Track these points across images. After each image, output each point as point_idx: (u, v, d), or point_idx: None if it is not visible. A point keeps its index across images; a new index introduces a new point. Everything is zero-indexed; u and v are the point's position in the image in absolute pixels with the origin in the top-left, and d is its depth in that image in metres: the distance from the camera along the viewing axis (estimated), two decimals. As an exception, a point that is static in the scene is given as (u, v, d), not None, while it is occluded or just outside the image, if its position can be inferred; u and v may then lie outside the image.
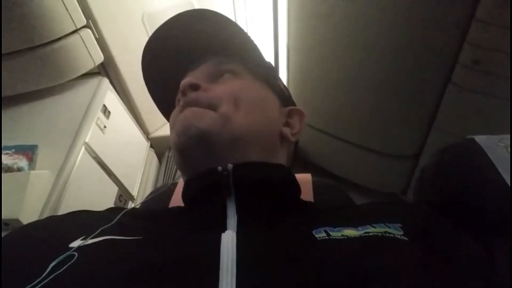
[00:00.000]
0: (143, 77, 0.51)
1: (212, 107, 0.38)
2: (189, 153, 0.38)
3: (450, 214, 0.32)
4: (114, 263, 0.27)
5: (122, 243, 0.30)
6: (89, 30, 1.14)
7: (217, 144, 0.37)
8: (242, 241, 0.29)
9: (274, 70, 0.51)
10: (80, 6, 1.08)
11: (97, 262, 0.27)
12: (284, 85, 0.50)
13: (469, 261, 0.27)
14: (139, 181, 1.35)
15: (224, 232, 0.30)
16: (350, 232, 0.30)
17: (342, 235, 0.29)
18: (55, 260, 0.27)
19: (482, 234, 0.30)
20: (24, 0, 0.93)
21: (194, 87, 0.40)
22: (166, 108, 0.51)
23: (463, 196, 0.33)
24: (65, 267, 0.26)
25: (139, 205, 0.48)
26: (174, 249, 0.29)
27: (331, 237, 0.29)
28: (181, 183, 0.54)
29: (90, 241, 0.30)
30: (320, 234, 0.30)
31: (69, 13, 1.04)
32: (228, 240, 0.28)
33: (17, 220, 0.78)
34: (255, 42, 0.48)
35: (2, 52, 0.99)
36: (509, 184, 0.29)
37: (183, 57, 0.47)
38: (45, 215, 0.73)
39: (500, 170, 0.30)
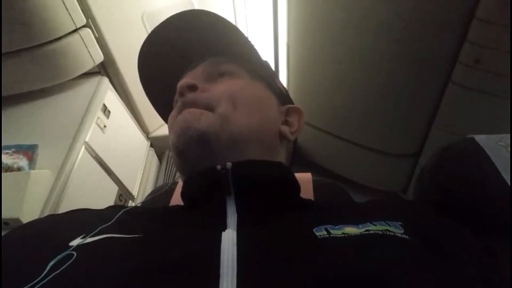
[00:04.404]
0: (139, 78, 0.50)
1: (210, 107, 0.38)
2: (188, 154, 0.38)
3: (450, 213, 0.32)
4: (114, 262, 0.27)
5: (121, 241, 0.30)
6: (89, 30, 1.13)
7: (216, 145, 0.37)
8: (242, 240, 0.29)
9: (271, 69, 0.51)
10: (80, 5, 1.08)
11: (96, 261, 0.27)
12: (281, 83, 0.50)
13: (469, 261, 0.27)
14: (139, 180, 1.35)
15: (224, 230, 0.30)
16: (350, 230, 0.30)
17: (343, 233, 0.29)
18: (54, 259, 0.27)
19: (482, 234, 0.30)
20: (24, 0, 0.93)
21: (192, 87, 0.40)
22: (163, 109, 0.51)
23: (463, 195, 0.33)
24: (63, 266, 0.26)
25: (140, 204, 0.48)
26: (175, 248, 0.29)
27: (331, 235, 0.29)
28: (181, 183, 0.54)
29: (89, 240, 0.30)
30: (320, 232, 0.30)
31: (69, 13, 1.04)
32: (229, 238, 0.29)
33: (17, 220, 0.78)
34: (253, 41, 0.48)
35: (2, 52, 0.99)
36: (509, 184, 0.29)
37: (180, 57, 0.47)
38: (45, 215, 0.72)
39: (500, 169, 0.30)
